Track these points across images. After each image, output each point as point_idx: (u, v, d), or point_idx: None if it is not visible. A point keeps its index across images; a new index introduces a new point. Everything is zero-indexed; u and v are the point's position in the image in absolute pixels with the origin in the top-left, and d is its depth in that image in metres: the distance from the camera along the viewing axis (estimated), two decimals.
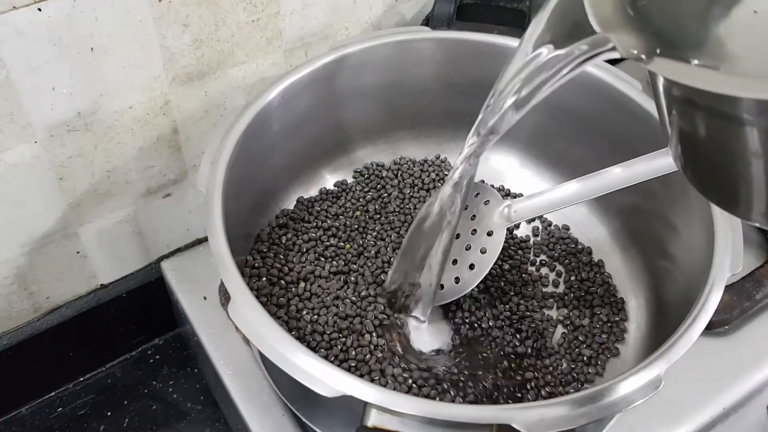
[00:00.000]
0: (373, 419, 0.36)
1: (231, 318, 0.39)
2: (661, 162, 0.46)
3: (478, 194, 0.52)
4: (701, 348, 0.55)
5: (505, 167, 0.62)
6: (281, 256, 0.54)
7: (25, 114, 0.49)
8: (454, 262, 0.51)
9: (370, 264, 0.54)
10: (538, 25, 0.38)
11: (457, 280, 0.51)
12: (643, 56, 0.31)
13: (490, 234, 0.50)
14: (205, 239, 0.65)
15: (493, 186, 0.59)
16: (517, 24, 0.57)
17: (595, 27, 0.33)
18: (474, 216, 0.51)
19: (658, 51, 0.31)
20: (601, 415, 0.36)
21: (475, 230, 0.51)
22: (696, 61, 0.30)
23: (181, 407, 0.66)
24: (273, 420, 0.52)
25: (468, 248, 0.51)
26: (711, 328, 0.57)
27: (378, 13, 0.64)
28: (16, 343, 0.61)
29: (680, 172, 0.45)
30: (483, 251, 0.50)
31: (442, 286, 0.51)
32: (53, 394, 0.66)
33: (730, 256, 0.43)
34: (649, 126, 0.51)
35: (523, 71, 0.38)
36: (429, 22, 0.58)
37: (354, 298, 0.51)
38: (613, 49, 0.33)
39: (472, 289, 0.51)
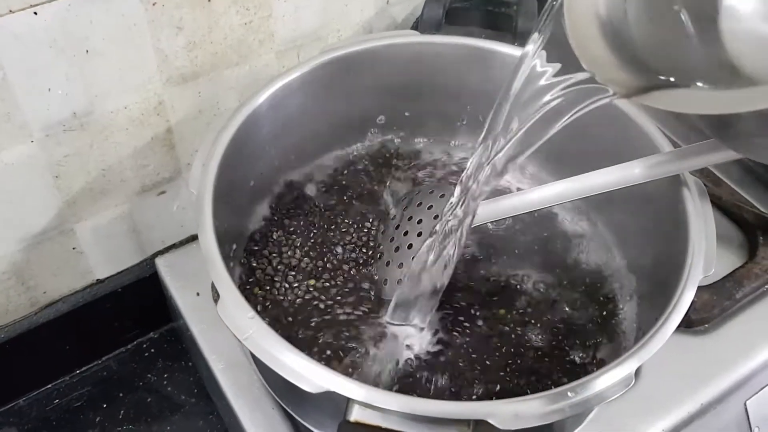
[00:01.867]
0: (355, 414, 0.37)
1: (220, 316, 0.41)
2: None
3: (443, 195, 0.54)
4: (681, 346, 0.57)
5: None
6: (273, 255, 0.55)
7: (22, 114, 0.50)
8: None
9: (365, 265, 0.55)
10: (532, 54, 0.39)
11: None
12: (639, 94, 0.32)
13: None
14: None
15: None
16: (504, 28, 0.58)
17: (584, 66, 0.34)
18: (437, 216, 0.52)
19: (651, 84, 0.32)
20: (574, 411, 0.37)
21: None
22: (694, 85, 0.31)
23: (175, 400, 0.68)
24: (263, 413, 0.53)
25: None
26: (691, 326, 0.58)
27: (369, 15, 0.65)
28: (13, 337, 0.62)
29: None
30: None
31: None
32: (50, 386, 0.68)
33: (703, 259, 0.44)
34: (628, 131, 0.53)
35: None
36: (418, 25, 0.59)
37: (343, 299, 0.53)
38: (611, 94, 0.34)
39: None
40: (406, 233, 0.53)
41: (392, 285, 0.52)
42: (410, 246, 0.52)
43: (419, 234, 0.52)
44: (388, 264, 0.53)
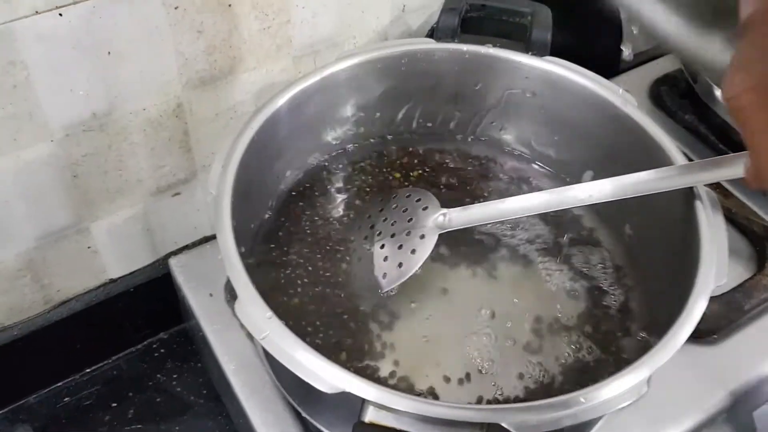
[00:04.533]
0: (370, 415, 0.38)
1: (236, 315, 0.41)
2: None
3: (419, 200, 0.54)
4: (691, 356, 0.58)
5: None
6: (289, 256, 0.56)
7: (43, 114, 0.51)
8: (385, 258, 0.53)
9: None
10: None
11: (384, 275, 0.53)
12: None
13: (422, 237, 0.52)
14: (213, 237, 0.67)
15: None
16: (518, 38, 0.59)
17: None
18: (411, 219, 0.53)
19: None
20: (586, 417, 0.38)
21: (409, 232, 0.53)
22: None
23: (185, 400, 0.68)
24: (274, 414, 0.54)
25: (400, 247, 0.53)
26: (700, 337, 0.59)
27: (385, 23, 0.65)
28: (26, 334, 0.63)
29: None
30: (413, 252, 0.52)
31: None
32: (60, 384, 0.68)
33: (714, 269, 0.44)
34: (637, 137, 0.54)
35: None
36: (434, 33, 0.59)
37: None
38: None
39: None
40: (380, 233, 0.54)
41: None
42: (382, 246, 0.54)
43: (392, 235, 0.53)
44: (386, 259, 0.54)
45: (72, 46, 0.49)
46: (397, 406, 0.37)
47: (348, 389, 0.38)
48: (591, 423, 0.46)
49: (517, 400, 0.48)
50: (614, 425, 0.53)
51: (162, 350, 0.72)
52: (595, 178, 0.60)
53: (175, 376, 0.70)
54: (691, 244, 0.47)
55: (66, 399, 0.68)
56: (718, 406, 0.56)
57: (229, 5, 0.54)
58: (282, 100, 0.53)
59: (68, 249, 0.60)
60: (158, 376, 0.70)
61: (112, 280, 0.66)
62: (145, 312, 0.69)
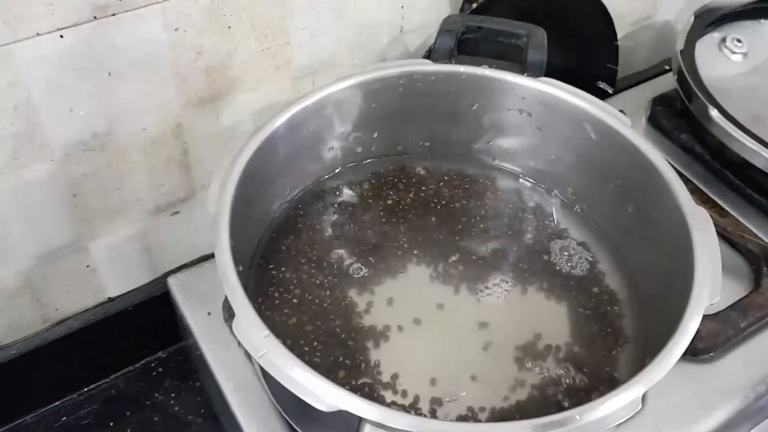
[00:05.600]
0: None
1: (234, 334, 0.41)
2: None
3: None
4: (687, 374, 0.58)
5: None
6: (288, 275, 0.56)
7: (43, 134, 0.52)
8: None
9: (368, 284, 0.56)
10: None
11: None
12: None
13: None
14: (211, 256, 0.67)
15: None
16: (514, 59, 0.60)
17: None
18: None
19: None
20: None
21: None
22: None
23: (182, 419, 0.68)
24: None
25: None
26: (696, 355, 0.59)
27: (383, 44, 0.66)
28: (24, 353, 0.63)
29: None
30: None
31: None
32: (58, 403, 0.68)
33: (708, 287, 0.45)
34: (631, 156, 0.55)
35: None
36: (431, 54, 0.60)
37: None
38: None
39: None
40: None
41: None
42: None
43: None
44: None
45: (72, 67, 0.50)
46: (393, 424, 0.38)
47: (345, 407, 0.38)
48: None
49: (512, 417, 0.48)
50: None
51: (160, 369, 0.71)
52: (589, 197, 0.61)
53: (173, 395, 0.69)
54: (685, 263, 0.48)
55: (64, 418, 0.68)
56: (715, 424, 0.56)
57: (229, 27, 0.55)
58: (280, 121, 0.53)
59: (67, 268, 0.61)
60: (156, 395, 0.69)
61: (111, 299, 0.66)
62: (144, 331, 0.69)
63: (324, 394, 0.39)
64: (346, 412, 0.38)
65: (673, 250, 0.50)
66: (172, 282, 0.63)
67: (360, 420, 0.38)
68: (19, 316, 0.61)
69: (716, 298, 0.45)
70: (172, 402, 0.69)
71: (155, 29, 0.51)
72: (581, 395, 0.50)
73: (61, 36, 0.48)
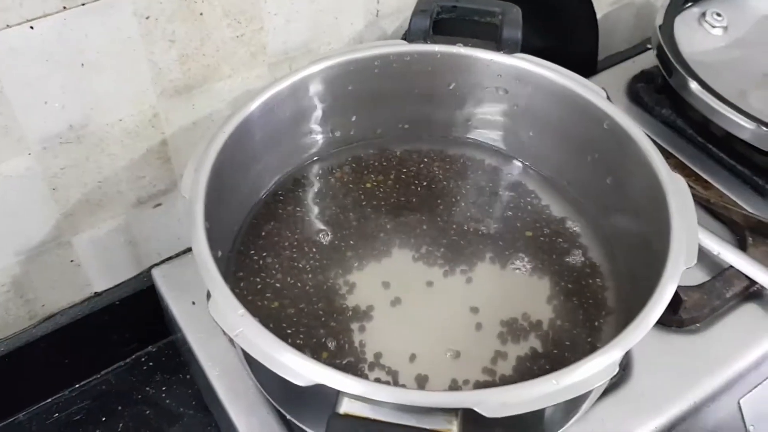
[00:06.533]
0: (344, 407, 0.38)
1: (211, 314, 0.42)
2: None
3: None
4: (673, 345, 0.58)
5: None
6: (268, 260, 0.56)
7: (19, 127, 0.52)
8: None
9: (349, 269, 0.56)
10: None
11: None
12: None
13: None
14: None
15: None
16: (489, 37, 0.60)
17: None
18: None
19: None
20: (559, 398, 0.38)
21: None
22: None
23: (174, 412, 0.68)
24: (258, 418, 0.54)
25: None
26: (683, 326, 0.59)
27: (359, 28, 0.66)
28: (12, 350, 0.63)
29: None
30: None
31: None
32: (50, 400, 0.68)
33: (684, 252, 0.45)
34: (609, 128, 0.55)
35: None
36: (406, 36, 0.60)
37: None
38: None
39: None
40: None
41: None
42: None
43: None
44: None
45: (45, 59, 0.50)
46: (370, 395, 0.38)
47: (321, 381, 0.38)
48: (571, 409, 0.46)
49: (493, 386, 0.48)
50: (598, 416, 0.53)
51: (150, 363, 0.71)
52: (568, 171, 0.61)
53: (164, 388, 0.70)
54: (662, 230, 0.48)
55: (56, 415, 0.68)
56: (703, 394, 0.56)
57: (201, 14, 0.55)
58: (254, 105, 0.53)
59: (51, 263, 0.61)
60: (147, 389, 0.69)
61: (97, 294, 0.66)
62: (132, 325, 0.69)
63: (301, 369, 0.39)
64: (324, 386, 0.38)
65: (651, 218, 0.50)
66: (157, 273, 0.63)
67: (338, 393, 0.38)
68: (5, 313, 0.61)
69: (692, 262, 0.45)
70: (164, 395, 0.69)
71: (126, 17, 0.51)
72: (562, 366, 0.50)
73: (32, 27, 0.48)
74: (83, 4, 0.49)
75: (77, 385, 0.69)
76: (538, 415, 0.42)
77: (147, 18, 0.52)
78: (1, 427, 0.66)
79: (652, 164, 0.51)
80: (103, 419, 0.67)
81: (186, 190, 0.47)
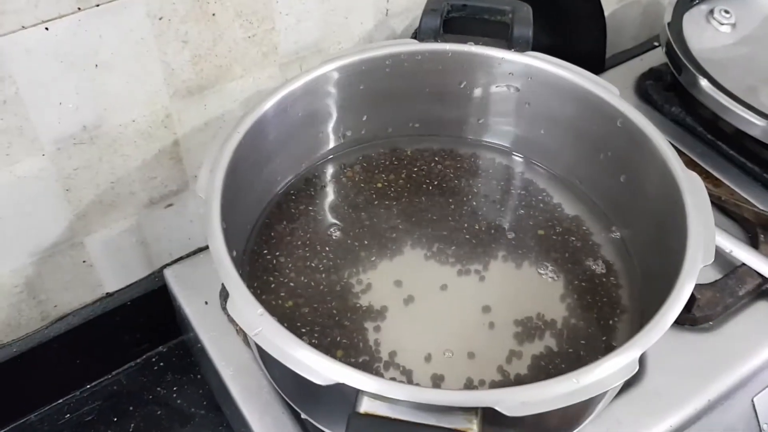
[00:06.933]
0: (365, 406, 0.38)
1: (229, 314, 0.42)
2: None
3: None
4: (687, 343, 0.58)
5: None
6: (282, 259, 0.56)
7: (33, 128, 0.52)
8: None
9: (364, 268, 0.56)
10: None
11: None
12: None
13: None
14: (206, 248, 0.67)
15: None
16: (500, 36, 0.60)
17: None
18: None
19: None
20: (579, 398, 0.38)
21: None
22: None
23: (185, 412, 0.68)
24: (272, 417, 0.54)
25: None
26: (696, 324, 0.59)
27: (369, 27, 0.66)
28: (25, 351, 0.63)
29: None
30: None
31: None
32: (61, 400, 0.68)
33: (702, 250, 0.45)
34: (622, 126, 0.55)
35: None
36: (417, 35, 0.60)
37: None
38: None
39: None
40: None
41: None
42: None
43: None
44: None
45: (59, 60, 0.50)
46: (390, 394, 0.38)
47: (341, 380, 0.38)
48: (588, 408, 0.46)
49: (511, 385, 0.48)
50: (613, 414, 0.53)
51: (161, 363, 0.72)
52: (580, 170, 0.61)
53: (175, 388, 0.70)
54: (678, 227, 0.48)
55: (67, 416, 0.68)
56: (717, 392, 0.56)
57: (213, 14, 0.55)
58: (268, 105, 0.53)
59: (63, 264, 0.61)
60: (158, 389, 0.69)
61: (109, 294, 0.66)
62: (144, 325, 0.69)
63: (320, 368, 0.39)
64: (343, 385, 0.38)
65: (666, 216, 0.50)
66: (169, 273, 0.63)
67: (357, 392, 0.38)
68: (18, 314, 0.61)
69: (710, 259, 0.45)
70: (175, 395, 0.69)
71: (139, 18, 0.51)
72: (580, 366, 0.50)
73: (47, 28, 0.48)
74: (97, 6, 0.49)
75: (88, 386, 0.69)
76: (556, 414, 0.42)
77: (160, 19, 0.52)
78: (13, 427, 0.67)
79: (666, 162, 0.51)
80: (115, 420, 0.67)
81: (202, 190, 0.47)
